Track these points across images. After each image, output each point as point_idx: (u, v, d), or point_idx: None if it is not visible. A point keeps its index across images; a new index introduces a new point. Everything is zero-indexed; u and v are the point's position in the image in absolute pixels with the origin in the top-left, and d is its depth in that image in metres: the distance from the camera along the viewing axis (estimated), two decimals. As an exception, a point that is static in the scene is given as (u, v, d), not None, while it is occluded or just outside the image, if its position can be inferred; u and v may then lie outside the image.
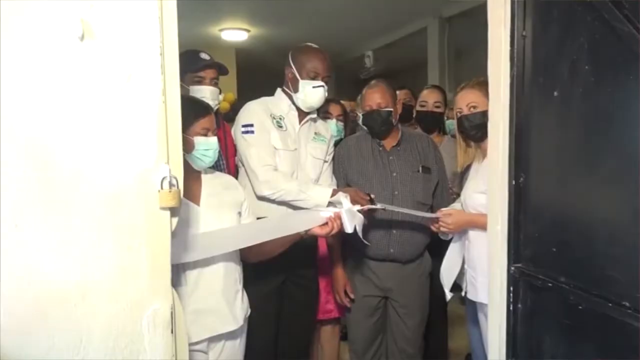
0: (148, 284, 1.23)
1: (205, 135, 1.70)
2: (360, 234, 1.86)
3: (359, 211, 1.86)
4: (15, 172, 1.08)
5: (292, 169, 2.12)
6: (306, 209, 2.00)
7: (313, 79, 2.11)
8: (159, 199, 1.22)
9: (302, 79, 2.12)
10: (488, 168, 1.60)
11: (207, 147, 1.70)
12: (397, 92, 2.61)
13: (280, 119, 2.15)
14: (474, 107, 1.95)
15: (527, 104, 1.37)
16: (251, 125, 2.09)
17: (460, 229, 2.04)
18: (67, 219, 1.14)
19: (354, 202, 1.90)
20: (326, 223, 1.80)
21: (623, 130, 1.08)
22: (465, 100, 1.99)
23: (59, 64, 1.12)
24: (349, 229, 1.81)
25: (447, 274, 2.14)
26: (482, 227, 1.93)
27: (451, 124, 3.07)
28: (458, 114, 2.03)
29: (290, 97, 2.17)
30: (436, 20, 5.91)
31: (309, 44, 2.25)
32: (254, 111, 2.14)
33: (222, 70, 2.31)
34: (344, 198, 1.85)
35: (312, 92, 2.11)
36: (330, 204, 1.97)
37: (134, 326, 1.22)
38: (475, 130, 1.96)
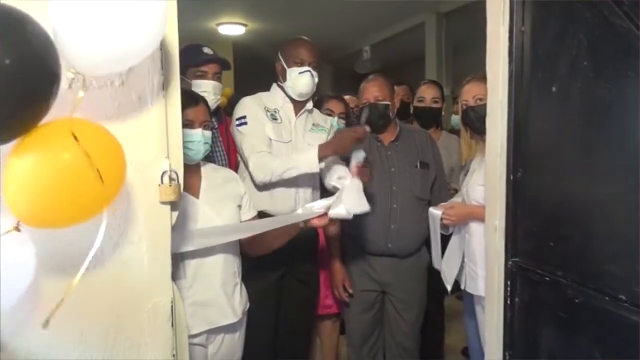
0: (148, 278, 1.24)
1: (191, 127, 1.66)
2: (361, 208, 1.79)
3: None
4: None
5: None
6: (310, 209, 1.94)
7: (300, 65, 2.13)
8: (160, 193, 1.23)
9: (289, 67, 2.14)
10: (486, 162, 1.60)
11: (188, 139, 1.64)
12: (396, 88, 2.60)
13: (274, 112, 2.17)
14: (480, 99, 1.97)
15: (526, 99, 1.38)
16: (244, 117, 2.12)
17: (463, 221, 2.05)
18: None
19: (343, 147, 1.90)
20: (325, 214, 1.74)
21: (621, 125, 1.09)
22: (472, 93, 2.01)
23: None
24: (349, 209, 1.74)
25: (449, 269, 2.15)
26: (484, 218, 1.94)
27: (456, 119, 3.09)
28: (464, 105, 2.05)
29: (284, 90, 2.19)
30: (434, 16, 5.92)
31: (298, 36, 2.27)
32: (247, 104, 2.17)
33: (224, 65, 2.32)
34: (341, 170, 1.83)
35: (298, 78, 2.13)
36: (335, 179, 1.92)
37: (135, 319, 1.22)
38: (480, 122, 1.96)
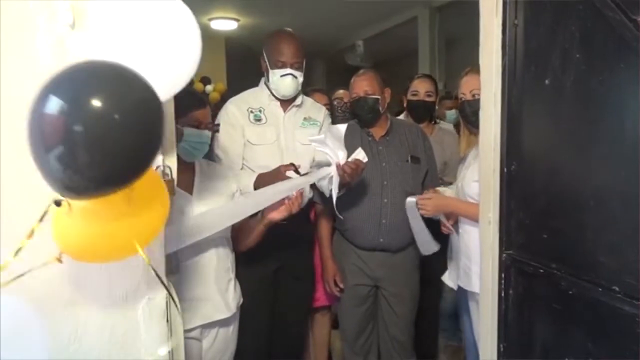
0: (143, 274, 1.23)
1: (197, 127, 1.69)
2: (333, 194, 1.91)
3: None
4: (9, 161, 1.08)
5: (273, 161, 2.08)
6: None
7: (281, 68, 2.10)
8: (153, 188, 1.22)
9: (271, 68, 2.12)
10: (480, 156, 1.61)
11: (198, 139, 1.68)
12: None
13: (259, 111, 2.15)
14: (476, 93, 1.97)
15: (519, 92, 1.38)
16: (217, 125, 2.13)
17: (439, 213, 2.05)
18: (60, 209, 1.13)
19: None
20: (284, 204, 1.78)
21: (614, 118, 1.09)
22: (469, 87, 2.01)
23: (49, 51, 1.11)
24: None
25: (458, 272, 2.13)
26: (463, 212, 1.95)
27: (452, 114, 3.10)
28: (461, 99, 2.05)
29: (270, 88, 2.18)
30: (426, 10, 5.92)
31: (280, 29, 2.23)
32: (225, 110, 2.18)
33: None
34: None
35: (280, 81, 2.11)
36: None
37: (130, 316, 1.22)
38: (476, 116, 1.97)
